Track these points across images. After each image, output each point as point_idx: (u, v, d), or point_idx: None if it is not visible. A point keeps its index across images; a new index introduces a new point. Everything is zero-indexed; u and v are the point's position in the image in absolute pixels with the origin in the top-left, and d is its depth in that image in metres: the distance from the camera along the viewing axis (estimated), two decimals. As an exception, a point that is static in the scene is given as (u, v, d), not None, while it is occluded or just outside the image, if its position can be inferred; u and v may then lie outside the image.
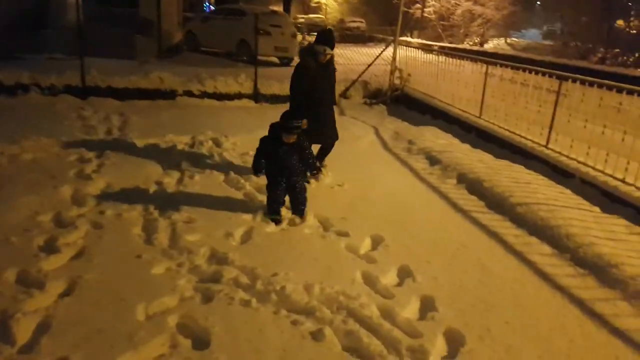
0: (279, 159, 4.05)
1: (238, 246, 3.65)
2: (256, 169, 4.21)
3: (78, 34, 8.87)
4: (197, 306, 2.89)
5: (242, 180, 4.96)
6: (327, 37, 4.97)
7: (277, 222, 4.10)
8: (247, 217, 4.15)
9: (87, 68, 8.81)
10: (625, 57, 19.26)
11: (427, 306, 3.07)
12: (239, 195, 4.65)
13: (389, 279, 3.36)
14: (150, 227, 3.86)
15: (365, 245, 3.85)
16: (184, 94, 9.41)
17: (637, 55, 18.99)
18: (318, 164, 4.76)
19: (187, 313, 2.81)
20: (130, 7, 12.58)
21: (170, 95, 9.32)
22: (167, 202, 4.35)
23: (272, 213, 4.17)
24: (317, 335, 2.68)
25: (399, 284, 3.31)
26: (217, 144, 6.31)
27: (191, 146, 6.16)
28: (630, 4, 20.74)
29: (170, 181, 4.89)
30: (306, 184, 4.50)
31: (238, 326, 2.72)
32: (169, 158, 5.60)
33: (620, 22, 20.72)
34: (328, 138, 5.27)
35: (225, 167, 5.45)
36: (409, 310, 3.01)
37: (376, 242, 3.88)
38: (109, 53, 10.63)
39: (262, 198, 4.48)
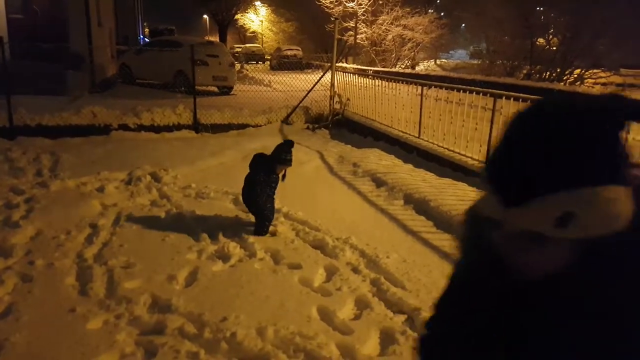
0: (275, 183, 4.42)
1: (182, 290, 3.40)
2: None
3: (4, 71, 8.38)
4: (139, 363, 2.63)
5: (185, 216, 4.72)
6: None
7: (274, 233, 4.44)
8: (192, 256, 3.92)
9: (15, 107, 8.37)
10: (548, 73, 20.46)
11: (387, 340, 2.94)
12: (181, 232, 4.39)
13: (346, 312, 3.21)
14: (84, 276, 3.55)
15: (319, 276, 3.70)
16: (119, 128, 9.06)
17: (559, 70, 20.23)
18: None
19: (129, 371, 2.55)
20: (61, 42, 12.12)
21: (105, 130, 8.95)
22: (103, 246, 4.06)
23: (268, 229, 4.44)
24: (274, 383, 2.50)
25: (357, 317, 3.17)
26: (156, 178, 6.04)
27: (128, 183, 5.85)
28: (550, 18, 22.19)
29: (106, 223, 4.56)
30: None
31: (187, 381, 2.49)
32: (103, 197, 5.28)
33: (541, 40, 22.05)
34: None
35: (166, 202, 5.20)
36: (370, 346, 2.87)
37: (330, 273, 3.74)
38: (39, 90, 10.15)
39: (206, 235, 4.27)
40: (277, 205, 5.11)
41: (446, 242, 4.47)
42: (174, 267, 3.70)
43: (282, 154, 4.42)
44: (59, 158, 6.92)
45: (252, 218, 4.71)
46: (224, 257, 3.91)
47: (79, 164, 6.66)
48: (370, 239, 4.44)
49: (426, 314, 3.11)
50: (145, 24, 40.14)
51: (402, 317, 3.18)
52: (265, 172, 4.41)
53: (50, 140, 8.20)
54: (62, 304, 3.16)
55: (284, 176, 4.53)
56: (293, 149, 4.54)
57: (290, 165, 4.50)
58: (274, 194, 4.51)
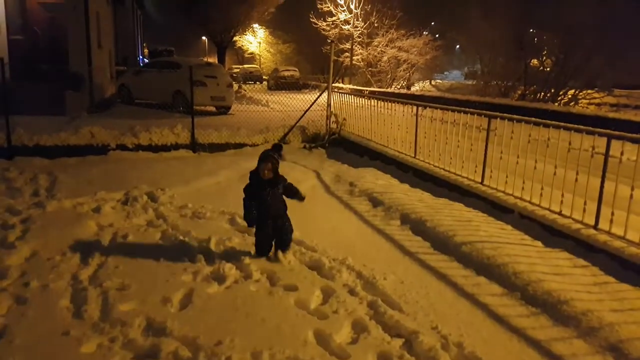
0: (263, 200, 4.10)
1: (177, 313, 3.37)
2: (249, 221, 4.21)
3: (2, 91, 8.42)
4: (133, 387, 2.59)
5: (181, 237, 4.70)
6: None
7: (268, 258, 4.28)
8: (187, 277, 3.88)
9: (14, 127, 8.39)
10: (543, 93, 20.67)
11: (384, 364, 2.90)
12: (177, 253, 4.36)
13: (343, 336, 3.17)
14: (79, 298, 3.51)
15: (316, 299, 3.66)
16: (117, 148, 9.07)
17: (553, 90, 20.44)
18: None
19: (122, 396, 2.51)
20: (60, 63, 12.21)
21: (102, 150, 8.96)
22: (98, 267, 4.02)
23: (260, 255, 4.27)
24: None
25: (354, 341, 3.13)
26: (153, 198, 6.02)
27: (124, 203, 5.84)
28: (543, 39, 22.54)
29: (102, 243, 4.54)
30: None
31: (181, 406, 2.45)
32: (100, 218, 5.26)
33: (535, 61, 22.34)
34: None
35: (162, 223, 5.17)
36: (367, 371, 2.84)
37: (327, 295, 3.70)
38: (38, 110, 10.20)
39: (202, 255, 4.25)
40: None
41: (443, 263, 4.47)
42: (169, 289, 3.66)
43: (264, 152, 4.11)
44: (56, 178, 6.90)
45: (248, 239, 4.70)
46: (219, 278, 3.88)
47: (76, 184, 6.65)
48: (367, 259, 4.43)
49: (424, 337, 3.10)
50: (144, 44, 40.56)
51: (400, 341, 3.15)
52: (255, 187, 4.11)
53: (48, 160, 8.21)
54: (56, 327, 3.12)
55: (278, 183, 4.13)
56: (279, 152, 4.15)
57: (268, 160, 4.00)
58: (269, 210, 4.12)
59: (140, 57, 33.44)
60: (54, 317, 3.26)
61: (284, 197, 4.26)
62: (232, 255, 4.33)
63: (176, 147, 9.51)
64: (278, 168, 4.10)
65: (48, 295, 3.53)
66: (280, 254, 4.26)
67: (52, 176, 7.03)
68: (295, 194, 4.30)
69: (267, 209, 4.14)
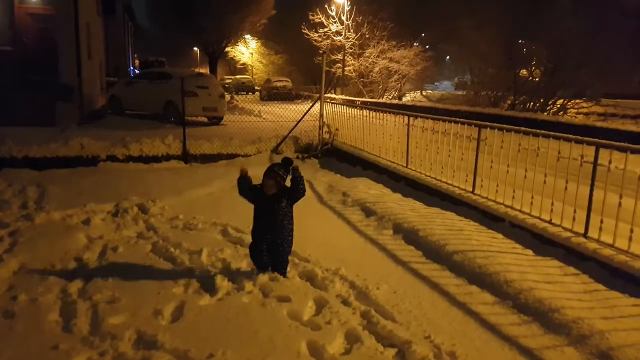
0: (264, 214, 4.02)
1: (168, 325, 3.33)
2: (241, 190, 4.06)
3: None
4: (123, 402, 2.56)
5: (172, 249, 4.66)
6: None
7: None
8: (178, 289, 3.85)
9: (2, 138, 8.33)
10: (532, 103, 20.86)
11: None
12: (168, 265, 4.34)
13: (336, 347, 3.15)
14: (68, 312, 3.47)
15: (309, 310, 3.64)
16: (108, 159, 9.02)
17: (542, 100, 20.64)
18: None
19: (112, 411, 2.47)
20: (50, 74, 12.16)
21: (92, 161, 8.90)
22: (88, 280, 3.98)
23: (256, 267, 4.17)
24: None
25: (347, 352, 3.11)
26: (144, 210, 5.99)
27: (114, 214, 5.80)
28: (532, 50, 22.80)
29: (91, 256, 4.50)
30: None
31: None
32: (89, 230, 5.21)
33: (524, 72, 22.57)
34: None
35: (153, 234, 5.14)
36: (360, 381, 2.82)
37: (320, 305, 3.68)
38: (28, 121, 10.12)
39: (193, 267, 4.21)
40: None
41: (436, 272, 4.47)
42: (160, 301, 3.63)
43: (269, 167, 4.05)
44: (45, 190, 6.84)
45: (240, 250, 4.67)
46: (211, 290, 3.84)
47: (65, 196, 6.58)
48: (360, 269, 4.42)
49: (417, 347, 3.09)
50: (135, 55, 40.48)
51: (393, 351, 3.13)
52: (256, 195, 4.06)
53: (37, 172, 8.13)
54: (45, 341, 3.07)
55: (283, 195, 4.03)
56: (287, 167, 4.04)
57: (272, 177, 3.96)
58: (256, 218, 4.09)
59: (131, 67, 33.37)
60: (42, 331, 3.22)
61: (291, 214, 4.14)
62: (224, 267, 4.30)
63: (167, 158, 9.47)
64: (283, 183, 4.03)
65: (37, 309, 3.49)
66: (277, 274, 4.08)
67: (41, 188, 6.96)
68: (297, 189, 4.10)
69: (267, 223, 4.05)
